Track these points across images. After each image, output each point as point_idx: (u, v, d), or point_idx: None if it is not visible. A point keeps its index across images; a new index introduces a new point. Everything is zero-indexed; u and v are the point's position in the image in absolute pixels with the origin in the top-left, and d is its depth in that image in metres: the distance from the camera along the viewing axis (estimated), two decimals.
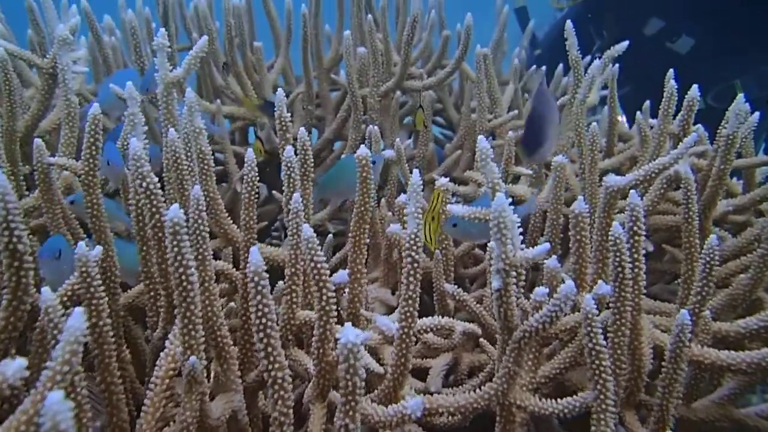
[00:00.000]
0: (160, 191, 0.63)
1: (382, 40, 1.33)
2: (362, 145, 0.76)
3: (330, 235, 1.12)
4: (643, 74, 1.99)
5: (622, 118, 1.92)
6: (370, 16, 1.24)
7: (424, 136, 1.28)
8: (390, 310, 1.06)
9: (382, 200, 1.13)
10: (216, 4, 1.45)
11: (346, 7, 1.49)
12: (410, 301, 0.65)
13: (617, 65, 1.07)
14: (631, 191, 0.63)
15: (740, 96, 0.79)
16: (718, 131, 0.85)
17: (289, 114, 0.85)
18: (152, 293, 0.74)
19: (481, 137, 0.66)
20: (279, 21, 1.46)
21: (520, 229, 0.60)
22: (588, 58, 1.31)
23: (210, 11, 1.40)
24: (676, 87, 0.91)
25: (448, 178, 0.93)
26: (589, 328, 0.59)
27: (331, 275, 0.63)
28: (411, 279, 0.65)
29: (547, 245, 0.60)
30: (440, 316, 0.86)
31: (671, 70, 0.96)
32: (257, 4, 1.44)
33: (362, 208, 0.77)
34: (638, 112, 1.03)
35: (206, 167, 0.79)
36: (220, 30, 1.41)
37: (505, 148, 1.03)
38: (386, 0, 1.33)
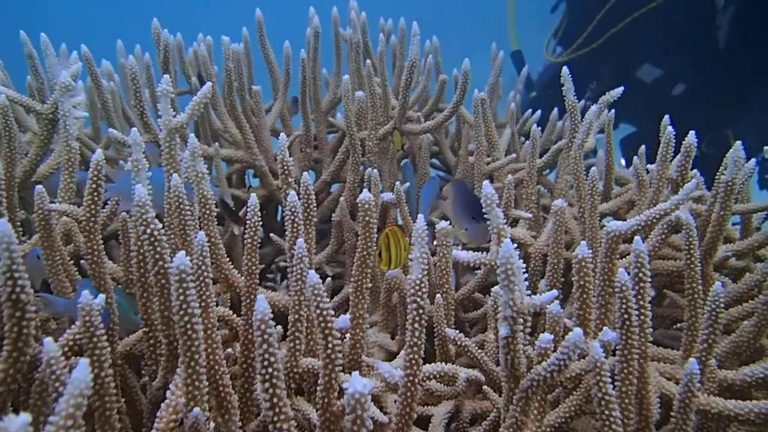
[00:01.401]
0: (164, 238, 0.63)
1: (380, 84, 1.34)
2: (365, 190, 0.76)
3: (328, 279, 1.12)
4: (640, 117, 2.03)
5: (623, 161, 1.96)
6: (369, 60, 1.26)
7: (421, 178, 1.28)
8: (389, 355, 1.05)
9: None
10: (215, 47, 1.46)
11: (344, 52, 1.51)
12: (415, 348, 0.64)
13: (613, 111, 1.09)
14: (636, 238, 0.64)
15: (738, 143, 0.80)
16: (717, 177, 0.86)
17: (291, 159, 0.85)
18: (152, 341, 0.73)
19: (486, 183, 0.67)
20: (277, 65, 1.48)
21: (525, 272, 0.60)
22: (582, 102, 1.34)
23: (209, 55, 1.42)
24: (674, 133, 0.92)
25: (448, 221, 0.93)
26: (598, 377, 0.58)
27: None
28: (416, 326, 0.64)
29: (554, 292, 0.60)
30: (441, 362, 0.85)
31: (666, 117, 0.98)
32: (255, 47, 1.46)
33: (365, 253, 0.77)
34: (635, 157, 1.05)
35: (208, 212, 0.78)
36: (218, 74, 1.43)
37: (504, 191, 1.04)
38: (384, 45, 1.35)
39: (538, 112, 1.44)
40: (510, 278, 0.58)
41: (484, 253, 0.72)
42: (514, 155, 1.21)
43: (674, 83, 1.88)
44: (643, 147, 1.11)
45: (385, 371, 0.74)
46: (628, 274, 0.63)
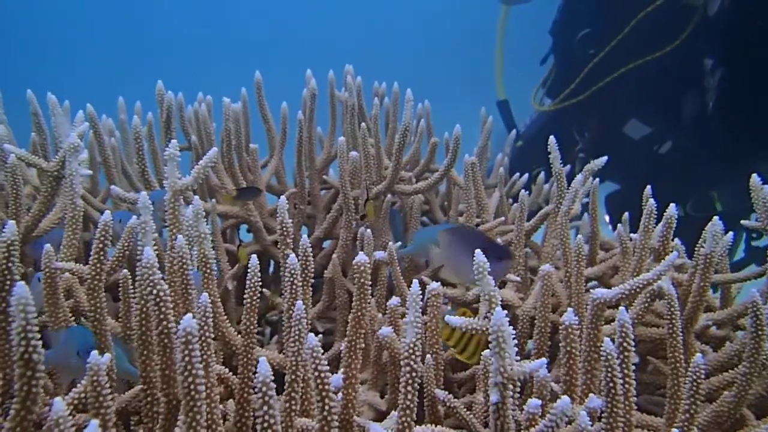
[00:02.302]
0: (169, 299, 0.65)
1: (373, 145, 1.40)
2: (361, 253, 0.79)
3: (319, 335, 1.14)
4: (625, 174, 2.08)
5: (607, 218, 2.00)
6: (363, 124, 1.31)
7: (412, 238, 1.32)
8: (378, 414, 1.06)
9: (372, 301, 1.15)
10: (215, 106, 1.51)
11: (339, 112, 1.57)
12: (407, 411, 0.67)
13: (598, 179, 1.14)
14: (621, 308, 0.67)
15: (716, 218, 0.85)
16: (696, 249, 0.90)
17: (290, 221, 0.89)
18: (149, 398, 0.74)
19: (478, 251, 0.70)
20: (274, 123, 1.53)
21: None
22: (568, 168, 1.39)
23: (209, 114, 1.47)
24: (655, 205, 0.97)
25: (438, 283, 0.96)
26: None
27: None
28: (409, 389, 0.67)
29: (544, 360, 0.62)
30: (431, 423, 0.87)
31: (648, 188, 1.03)
32: (253, 105, 1.51)
33: (359, 314, 0.79)
34: (619, 225, 1.09)
35: (209, 272, 0.81)
36: (216, 130, 1.47)
37: None
38: (377, 108, 1.41)
39: (526, 175, 1.49)
40: (501, 346, 0.61)
41: (476, 318, 0.75)
42: (502, 218, 1.25)
43: (661, 142, 1.93)
44: (626, 214, 1.15)
45: None
46: (613, 342, 0.66)
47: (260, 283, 0.78)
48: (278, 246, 0.89)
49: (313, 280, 0.83)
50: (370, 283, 0.79)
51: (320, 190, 1.54)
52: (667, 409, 0.76)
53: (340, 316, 1.25)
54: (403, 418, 0.67)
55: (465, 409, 0.90)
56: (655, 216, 0.97)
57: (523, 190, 1.13)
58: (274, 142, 1.54)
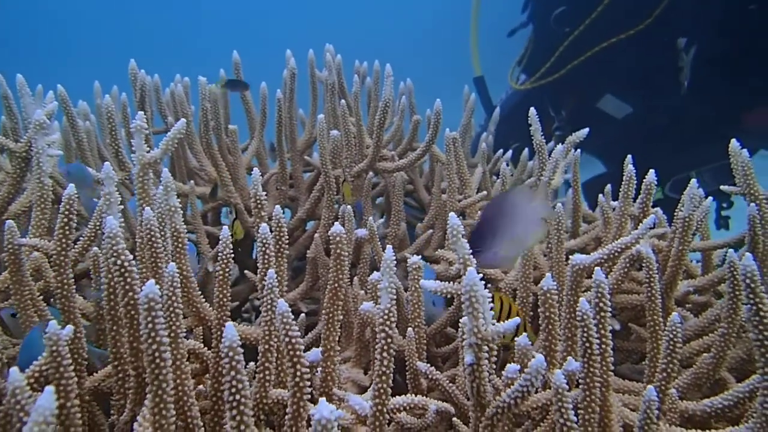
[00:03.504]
0: (134, 269, 0.63)
1: (354, 124, 1.38)
2: (336, 223, 0.77)
3: (302, 315, 1.12)
4: (605, 153, 2.08)
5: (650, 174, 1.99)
6: (343, 101, 1.29)
7: (396, 216, 1.30)
8: (363, 390, 1.05)
9: (355, 279, 1.14)
10: (192, 87, 1.49)
11: (320, 92, 1.55)
12: (384, 378, 0.65)
13: (579, 150, 1.12)
14: (596, 269, 0.66)
15: (693, 181, 0.84)
16: (675, 214, 0.89)
17: (264, 193, 0.87)
18: (120, 374, 0.73)
19: (452, 215, 0.69)
20: (254, 105, 1.51)
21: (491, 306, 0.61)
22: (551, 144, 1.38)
23: (186, 95, 1.44)
24: (634, 171, 0.96)
25: (420, 257, 0.95)
26: (560, 404, 0.59)
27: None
28: (384, 354, 0.65)
29: (517, 319, 0.61)
30: (413, 396, 0.86)
31: (629, 156, 1.02)
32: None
33: (336, 285, 0.78)
34: (600, 195, 1.08)
35: (181, 246, 0.79)
36: (195, 113, 1.45)
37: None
38: (358, 86, 1.39)
39: (510, 152, 1.48)
40: (474, 306, 0.60)
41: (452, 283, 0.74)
42: (485, 192, 1.24)
43: (639, 121, 1.93)
44: (608, 186, 1.14)
45: (356, 403, 0.75)
46: (590, 304, 0.65)
47: (232, 255, 0.76)
48: (252, 217, 0.87)
49: (287, 252, 0.82)
50: (347, 254, 0.78)
51: (302, 171, 1.52)
52: (647, 372, 0.75)
53: (323, 295, 1.23)
54: (379, 384, 0.65)
55: (447, 381, 0.89)
56: (635, 183, 0.96)
57: (504, 164, 1.12)
58: (254, 123, 1.52)
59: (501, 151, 1.48)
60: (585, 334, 0.64)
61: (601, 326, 0.66)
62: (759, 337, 0.61)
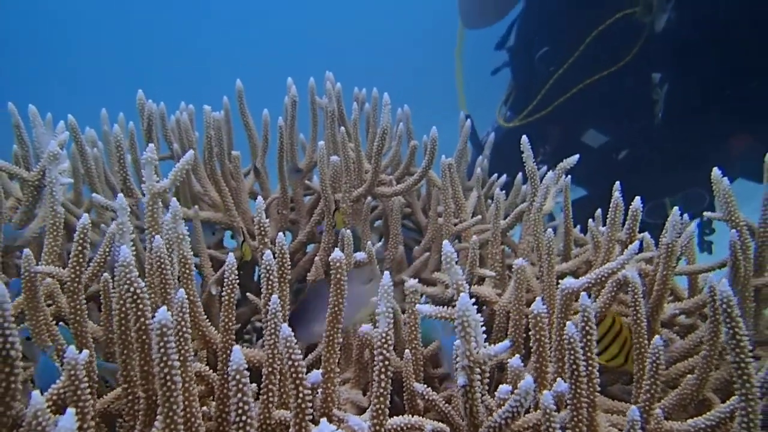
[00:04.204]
0: (146, 296, 0.67)
1: (353, 149, 1.42)
2: (336, 249, 0.81)
3: None
4: (588, 181, 2.16)
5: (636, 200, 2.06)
6: (343, 128, 1.34)
7: (393, 239, 1.34)
8: (362, 411, 1.08)
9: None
10: (197, 113, 1.54)
11: (320, 118, 1.59)
12: (381, 399, 0.69)
13: (569, 176, 1.17)
14: (582, 294, 0.69)
15: (675, 209, 0.88)
16: (660, 240, 0.93)
17: (267, 220, 0.91)
18: (130, 396, 0.76)
19: (446, 242, 0.73)
20: (257, 131, 1.55)
21: (483, 328, 0.65)
22: (543, 169, 1.42)
23: (191, 121, 1.49)
24: (621, 197, 1.00)
25: (417, 279, 0.98)
26: (548, 424, 0.63)
27: None
28: (382, 377, 0.69)
29: (507, 343, 0.65)
30: (410, 416, 0.89)
31: (617, 183, 1.06)
32: (235, 112, 1.53)
33: (336, 310, 0.81)
34: (590, 220, 1.12)
35: (188, 272, 0.83)
36: (199, 139, 1.50)
37: (469, 251, 1.10)
38: (357, 113, 1.44)
39: (504, 176, 1.52)
40: (466, 330, 0.63)
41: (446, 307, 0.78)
42: (479, 217, 1.28)
43: (617, 152, 2.01)
44: (599, 211, 1.18)
45: (355, 423, 0.78)
46: (577, 328, 0.68)
47: (237, 280, 0.80)
48: (256, 244, 0.91)
49: (290, 278, 0.86)
50: (345, 278, 0.81)
51: (303, 195, 1.56)
52: (634, 392, 0.78)
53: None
54: (377, 405, 0.69)
55: (443, 402, 0.92)
56: (623, 210, 1.00)
57: (498, 189, 1.16)
58: (257, 149, 1.56)
59: (495, 175, 1.53)
60: (572, 357, 0.68)
61: (587, 349, 0.69)
62: (737, 359, 0.65)
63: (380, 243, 1.37)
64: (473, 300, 0.64)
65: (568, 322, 0.67)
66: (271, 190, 1.60)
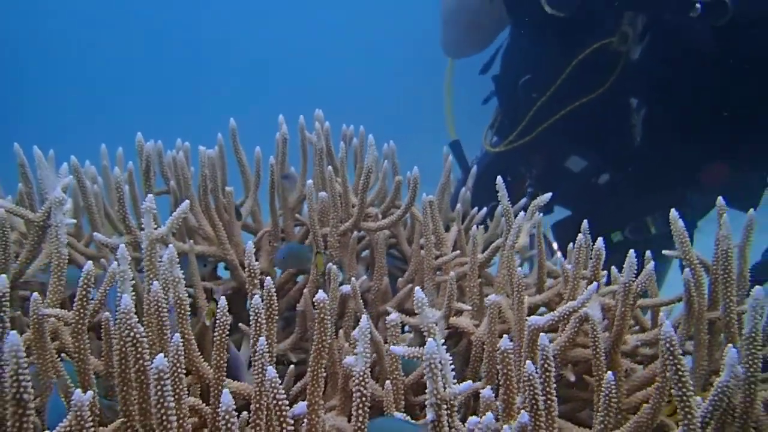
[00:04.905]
0: (145, 340, 0.74)
1: (341, 184, 1.50)
2: (320, 290, 0.89)
3: (291, 366, 1.22)
4: (573, 203, 2.24)
5: (555, 245, 2.13)
6: (330, 167, 1.42)
7: (378, 271, 1.42)
8: None
9: (341, 331, 1.25)
10: (193, 149, 1.61)
11: (310, 153, 1.67)
12: (360, 429, 0.76)
13: (541, 214, 1.24)
14: (541, 334, 0.77)
15: (631, 251, 0.96)
16: (620, 279, 1.01)
17: (258, 263, 0.98)
18: (129, 430, 0.83)
19: (417, 288, 0.80)
20: (249, 167, 1.63)
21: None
22: (524, 200, 1.49)
23: (186, 159, 1.56)
24: (583, 239, 1.08)
25: (398, 314, 1.05)
26: None
27: (292, 404, 0.73)
28: (360, 411, 0.76)
29: (469, 383, 0.72)
30: None
31: (585, 222, 1.14)
32: (229, 149, 1.61)
33: (320, 347, 0.89)
34: (561, 257, 1.20)
35: (183, 313, 0.90)
36: (195, 173, 1.57)
37: (447, 284, 1.17)
38: (344, 151, 1.52)
39: (484, 209, 1.59)
40: (433, 371, 0.70)
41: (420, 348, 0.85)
42: (458, 252, 1.36)
43: (599, 175, 2.09)
44: (570, 245, 1.26)
45: None
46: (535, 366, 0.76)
47: (229, 322, 0.87)
48: (247, 287, 0.98)
49: (276, 316, 0.93)
50: (329, 318, 0.89)
51: (293, 227, 1.63)
52: (594, 422, 0.86)
53: (311, 346, 1.33)
54: None
55: None
56: (591, 246, 1.08)
57: (475, 226, 1.24)
58: (250, 184, 1.64)
59: (476, 209, 1.60)
60: (531, 392, 0.75)
61: (546, 384, 0.77)
62: (679, 393, 0.73)
63: (364, 277, 1.44)
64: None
65: (527, 362, 0.75)
66: (263, 223, 1.67)
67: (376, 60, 12.60)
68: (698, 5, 1.64)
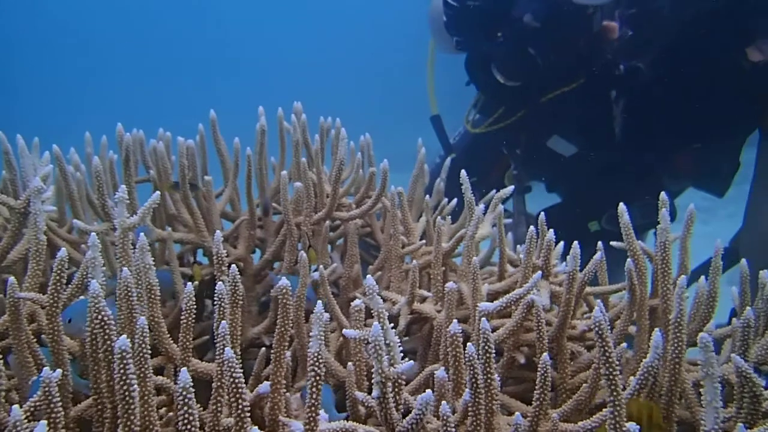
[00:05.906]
0: (112, 322, 0.80)
1: (316, 174, 1.55)
2: (283, 277, 0.94)
3: (263, 349, 1.28)
4: (556, 187, 2.28)
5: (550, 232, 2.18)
6: (304, 159, 1.47)
7: (350, 259, 1.47)
8: None
9: (311, 316, 1.30)
10: (174, 138, 1.66)
11: (288, 141, 1.72)
12: (313, 409, 0.82)
13: (502, 206, 1.30)
14: (482, 319, 0.83)
15: (575, 243, 1.02)
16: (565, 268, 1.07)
17: (225, 252, 1.04)
18: (99, 406, 0.88)
19: (369, 277, 0.86)
20: (229, 156, 1.68)
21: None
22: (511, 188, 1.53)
23: (167, 149, 1.61)
24: (534, 231, 1.14)
25: (362, 300, 1.11)
26: (445, 428, 0.76)
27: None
28: (314, 390, 0.82)
29: (411, 363, 0.78)
30: (345, 422, 1.02)
31: (542, 214, 1.20)
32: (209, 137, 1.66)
33: (282, 330, 0.95)
34: (520, 247, 1.25)
35: (153, 297, 0.96)
36: (176, 163, 1.62)
37: (410, 273, 1.23)
38: (319, 144, 1.57)
39: (454, 201, 1.64)
40: (378, 352, 0.76)
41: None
42: (424, 242, 1.42)
43: (579, 161, 2.11)
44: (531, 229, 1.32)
45: (296, 428, 0.91)
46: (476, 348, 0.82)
47: (194, 307, 0.93)
48: (215, 273, 1.04)
49: (241, 302, 0.99)
50: (291, 303, 0.95)
51: (271, 215, 1.69)
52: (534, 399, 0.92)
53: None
54: (309, 413, 0.82)
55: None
56: (536, 241, 1.14)
57: (439, 218, 1.29)
58: (228, 173, 1.69)
59: (446, 200, 1.65)
60: (472, 371, 0.81)
61: (486, 365, 0.83)
62: (606, 372, 0.79)
63: (334, 264, 1.50)
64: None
65: (468, 344, 0.81)
66: (242, 211, 1.73)
67: (372, 58, 12.65)
68: None
